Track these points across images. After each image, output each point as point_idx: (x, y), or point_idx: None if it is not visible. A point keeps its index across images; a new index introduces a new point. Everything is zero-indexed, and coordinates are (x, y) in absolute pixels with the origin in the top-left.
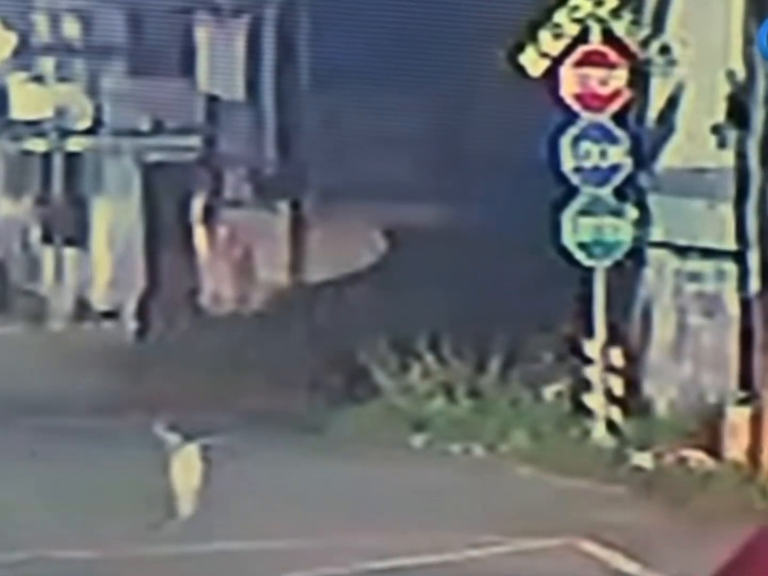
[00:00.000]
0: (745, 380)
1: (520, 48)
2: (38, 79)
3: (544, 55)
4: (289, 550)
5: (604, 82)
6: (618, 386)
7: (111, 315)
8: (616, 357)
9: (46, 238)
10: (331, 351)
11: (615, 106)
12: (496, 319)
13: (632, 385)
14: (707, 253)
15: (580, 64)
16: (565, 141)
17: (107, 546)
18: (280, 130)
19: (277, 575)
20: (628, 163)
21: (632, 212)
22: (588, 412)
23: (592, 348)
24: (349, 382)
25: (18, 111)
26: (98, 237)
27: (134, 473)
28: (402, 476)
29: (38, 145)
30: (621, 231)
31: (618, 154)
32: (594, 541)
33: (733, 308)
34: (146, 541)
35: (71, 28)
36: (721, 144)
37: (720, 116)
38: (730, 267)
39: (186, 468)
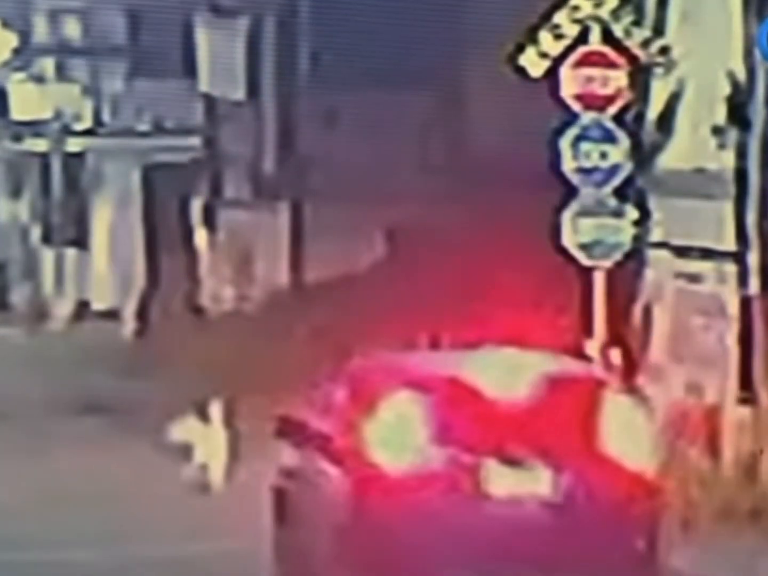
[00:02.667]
0: (745, 380)
1: (520, 49)
2: (38, 79)
3: (545, 55)
4: None
5: (604, 83)
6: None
7: (111, 315)
8: (616, 357)
9: (46, 239)
10: (332, 351)
11: (615, 106)
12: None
13: (632, 385)
14: (707, 253)
15: (580, 64)
16: (565, 141)
17: (108, 545)
18: (280, 130)
19: None
20: (628, 163)
21: (632, 212)
22: None
23: (591, 348)
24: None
25: (18, 111)
26: (98, 237)
27: (135, 471)
28: None
29: (38, 145)
30: (621, 231)
31: (618, 155)
32: None
33: (733, 308)
34: (148, 541)
35: (71, 28)
36: (721, 144)
37: (720, 116)
38: (730, 267)
39: (214, 450)
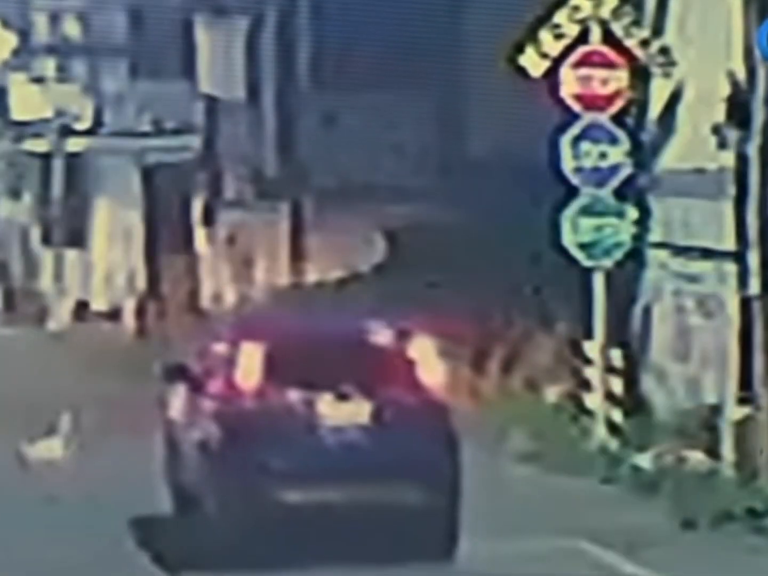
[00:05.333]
0: (745, 380)
1: (520, 49)
2: (38, 79)
3: (545, 55)
4: None
5: (604, 83)
6: (618, 387)
7: (111, 315)
8: (616, 357)
9: (46, 240)
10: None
11: (615, 106)
12: (496, 319)
13: (632, 385)
14: (707, 254)
15: (580, 64)
16: (564, 141)
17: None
18: (280, 130)
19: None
20: (628, 163)
21: (632, 212)
22: (588, 413)
23: (592, 348)
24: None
25: (18, 111)
26: (98, 237)
27: (136, 470)
28: None
29: (38, 146)
30: (621, 231)
31: (618, 155)
32: (593, 541)
33: (733, 308)
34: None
35: (71, 29)
36: (721, 144)
37: (720, 116)
38: (730, 267)
39: None
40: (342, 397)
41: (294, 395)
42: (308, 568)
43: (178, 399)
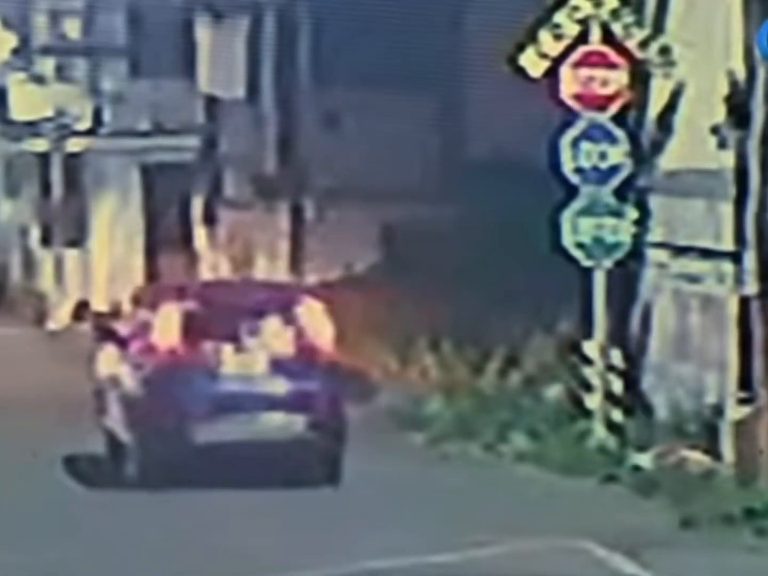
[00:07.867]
0: (745, 380)
1: (520, 49)
2: (38, 79)
3: (544, 55)
4: (287, 549)
5: (604, 83)
6: (618, 386)
7: (111, 315)
8: (616, 357)
9: (45, 240)
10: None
11: (615, 106)
12: (496, 319)
13: (632, 385)
14: (707, 254)
15: (580, 64)
16: (564, 141)
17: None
18: (280, 130)
19: (279, 573)
20: (628, 163)
21: (632, 212)
22: (588, 413)
23: (591, 348)
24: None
25: (18, 111)
26: (98, 237)
27: None
28: (401, 476)
29: (38, 146)
30: (621, 231)
31: (618, 155)
32: (594, 541)
33: (733, 308)
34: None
35: (71, 28)
36: (721, 144)
37: (720, 116)
38: (729, 267)
39: None
40: (242, 350)
41: (203, 348)
42: (215, 491)
43: (106, 356)
